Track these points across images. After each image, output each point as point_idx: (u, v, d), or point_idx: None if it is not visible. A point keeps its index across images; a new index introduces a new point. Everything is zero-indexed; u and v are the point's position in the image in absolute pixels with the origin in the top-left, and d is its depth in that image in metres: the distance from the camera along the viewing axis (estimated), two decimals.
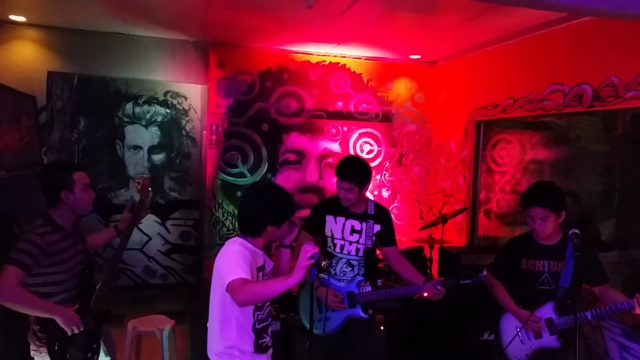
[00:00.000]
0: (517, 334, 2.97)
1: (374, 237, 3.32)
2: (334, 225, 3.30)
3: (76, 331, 2.61)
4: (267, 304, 2.52)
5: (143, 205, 3.11)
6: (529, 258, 2.99)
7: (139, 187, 3.15)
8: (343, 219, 3.29)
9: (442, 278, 3.08)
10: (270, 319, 2.55)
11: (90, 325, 2.71)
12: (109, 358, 2.97)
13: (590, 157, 4.51)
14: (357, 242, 3.29)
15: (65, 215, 2.70)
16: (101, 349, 2.89)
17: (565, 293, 2.83)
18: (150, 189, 3.20)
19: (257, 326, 2.42)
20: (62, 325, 2.57)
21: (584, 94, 3.84)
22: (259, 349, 2.42)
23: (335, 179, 3.25)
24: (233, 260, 2.27)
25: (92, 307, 2.74)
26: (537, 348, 2.94)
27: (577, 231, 2.67)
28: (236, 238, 2.44)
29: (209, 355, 2.45)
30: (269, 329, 2.53)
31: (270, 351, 2.54)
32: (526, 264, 2.99)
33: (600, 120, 4.41)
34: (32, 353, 2.67)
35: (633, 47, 3.48)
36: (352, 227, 3.28)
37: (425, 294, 3.59)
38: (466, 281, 3.00)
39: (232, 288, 2.19)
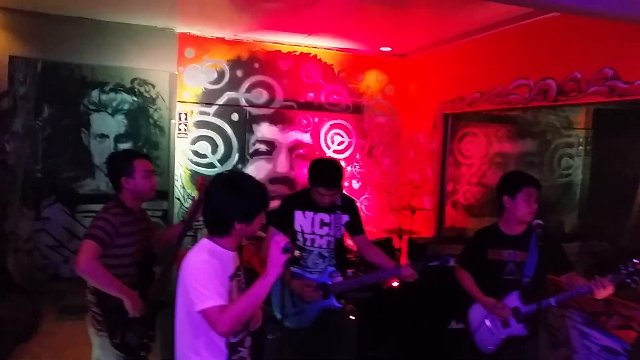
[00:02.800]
0: (484, 322, 3.05)
1: (342, 228, 3.36)
2: (303, 220, 3.31)
3: (137, 315, 2.70)
4: None
5: (199, 204, 3.07)
6: (495, 248, 3.06)
7: (197, 185, 3.13)
8: (312, 213, 3.30)
9: (409, 261, 3.14)
10: (246, 331, 2.26)
11: (148, 312, 2.81)
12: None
13: (554, 150, 4.64)
14: (328, 234, 3.31)
15: (130, 199, 2.83)
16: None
17: (530, 282, 2.92)
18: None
19: (231, 340, 2.16)
20: (127, 308, 2.67)
21: (549, 88, 3.94)
22: None
23: (312, 183, 3.22)
24: (204, 280, 2.01)
25: (150, 296, 2.82)
26: (505, 337, 3.02)
27: (540, 222, 2.75)
28: (204, 241, 2.17)
29: None
30: (246, 342, 2.27)
31: None
32: (492, 254, 3.06)
33: (563, 115, 4.53)
34: (90, 334, 2.78)
35: (595, 44, 3.59)
36: (322, 220, 3.31)
37: (395, 284, 3.65)
38: (434, 262, 3.09)
39: (211, 318, 1.99)
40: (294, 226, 3.32)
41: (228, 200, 2.11)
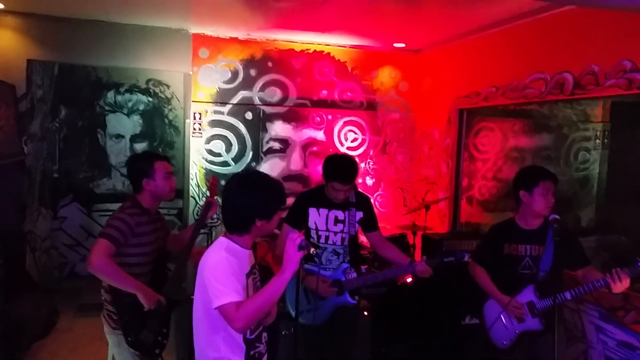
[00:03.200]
0: (500, 318, 3.03)
1: (357, 225, 3.36)
2: (317, 218, 3.32)
3: (152, 308, 2.73)
4: None
5: (210, 205, 3.11)
6: (511, 243, 3.05)
7: (208, 186, 3.22)
8: (326, 210, 3.31)
9: (424, 257, 3.13)
10: (262, 326, 2.29)
11: (163, 310, 2.83)
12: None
13: (570, 144, 4.60)
14: (342, 231, 3.32)
15: (148, 200, 2.86)
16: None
17: (546, 276, 2.89)
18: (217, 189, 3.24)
19: (248, 336, 2.19)
20: (142, 301, 2.69)
21: (565, 82, 3.89)
22: (250, 359, 2.20)
23: (327, 178, 3.21)
24: (222, 277, 2.04)
25: (165, 294, 2.84)
26: (520, 332, 3.00)
27: (557, 217, 2.72)
28: (222, 240, 2.19)
29: None
30: (263, 337, 2.30)
31: (265, 358, 2.32)
32: (508, 249, 3.05)
33: (580, 109, 4.48)
34: (105, 332, 2.82)
35: (613, 36, 3.53)
36: (336, 217, 3.31)
37: (409, 279, 3.61)
38: (449, 258, 3.08)
39: (227, 314, 2.01)
40: (308, 223, 3.33)
41: (248, 199, 2.13)
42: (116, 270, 2.63)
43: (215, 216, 3.16)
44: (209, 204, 3.10)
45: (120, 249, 2.67)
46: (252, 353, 2.20)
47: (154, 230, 2.87)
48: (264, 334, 2.31)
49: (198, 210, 5.51)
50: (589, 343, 3.69)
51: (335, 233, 3.31)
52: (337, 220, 3.31)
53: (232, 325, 2.03)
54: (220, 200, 2.37)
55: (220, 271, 2.06)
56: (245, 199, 2.13)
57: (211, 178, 3.33)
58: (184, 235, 3.18)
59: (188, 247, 3.03)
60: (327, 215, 3.31)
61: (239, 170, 5.62)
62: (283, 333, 3.67)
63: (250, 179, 2.23)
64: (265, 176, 2.26)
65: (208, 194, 3.29)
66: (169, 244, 3.10)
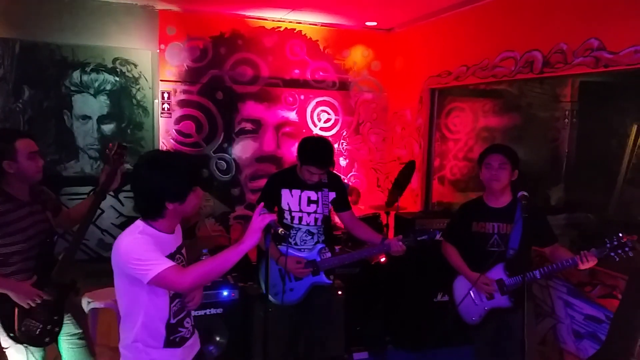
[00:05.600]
0: (469, 294, 3.07)
1: (330, 205, 3.36)
2: (290, 199, 3.31)
3: (32, 305, 2.56)
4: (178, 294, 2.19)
5: (114, 174, 2.87)
6: (479, 221, 3.08)
7: (111, 154, 2.89)
8: (299, 191, 3.30)
9: (401, 236, 3.16)
10: (186, 310, 2.24)
11: (52, 296, 2.65)
12: (80, 330, 2.90)
13: (540, 124, 4.64)
14: (315, 212, 3.32)
15: (15, 185, 2.63)
16: (71, 321, 2.84)
17: (515, 254, 2.94)
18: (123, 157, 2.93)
19: (171, 321, 2.14)
20: (16, 300, 2.52)
21: (535, 60, 3.92)
22: (170, 344, 2.15)
23: (303, 161, 3.19)
24: (143, 254, 1.95)
25: (53, 278, 2.68)
26: (489, 308, 3.05)
27: (525, 193, 2.76)
28: (138, 223, 2.08)
29: (119, 347, 2.19)
30: (186, 322, 2.25)
31: (191, 341, 2.28)
32: (477, 227, 3.08)
33: (549, 88, 4.52)
34: None
35: (580, 14, 3.56)
36: (309, 198, 3.31)
37: (383, 259, 3.61)
38: (423, 237, 3.15)
39: (167, 279, 1.93)
40: (281, 205, 3.31)
41: (156, 181, 2.02)
42: None
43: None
44: (110, 172, 2.83)
45: None
46: (172, 337, 2.16)
47: (27, 215, 2.65)
48: (188, 319, 2.26)
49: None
50: (557, 318, 3.78)
51: (309, 214, 3.31)
52: (310, 201, 3.30)
53: (177, 286, 1.97)
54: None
55: (139, 249, 1.96)
56: (153, 181, 2.02)
57: (110, 144, 2.94)
58: (76, 211, 2.97)
59: (85, 222, 2.80)
60: (300, 196, 3.30)
61: (211, 152, 5.55)
62: (260, 314, 3.66)
63: (158, 159, 2.12)
64: (174, 154, 2.19)
65: (110, 162, 2.91)
66: (59, 223, 2.89)
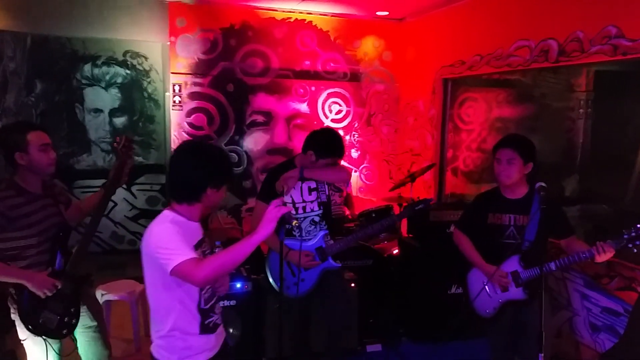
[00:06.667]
0: (484, 288, 3.04)
1: (327, 190, 3.42)
2: (293, 191, 3.30)
3: (49, 294, 2.57)
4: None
5: (122, 167, 2.85)
6: (495, 212, 3.03)
7: (119, 147, 2.86)
8: (299, 182, 3.31)
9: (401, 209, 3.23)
10: (216, 296, 2.30)
11: (67, 288, 2.67)
12: (95, 323, 2.91)
13: (554, 114, 4.57)
14: (317, 198, 3.36)
15: (27, 178, 2.63)
16: (86, 314, 2.86)
17: (531, 246, 2.89)
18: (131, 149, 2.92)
19: (202, 306, 2.19)
20: (33, 289, 2.54)
21: (550, 49, 3.85)
22: (205, 329, 2.21)
23: (321, 154, 3.18)
24: (170, 242, 2.00)
25: (68, 271, 2.69)
26: (504, 301, 3.02)
27: (543, 184, 2.70)
28: (166, 213, 2.15)
29: (152, 339, 2.21)
30: (217, 308, 2.30)
31: (220, 328, 2.33)
32: (492, 218, 3.04)
33: (564, 78, 4.45)
34: (12, 317, 2.65)
35: (598, 1, 3.49)
36: (309, 187, 3.34)
37: (395, 251, 3.58)
38: (420, 206, 3.30)
39: (185, 271, 1.96)
40: (284, 199, 3.30)
41: (201, 166, 2.11)
42: None
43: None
44: (119, 167, 2.81)
45: (0, 235, 2.49)
46: (206, 322, 2.21)
47: (40, 209, 2.64)
48: (218, 305, 2.32)
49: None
50: (573, 310, 3.74)
51: (312, 202, 3.35)
52: (310, 190, 3.34)
53: (193, 279, 1.98)
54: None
55: (167, 238, 2.02)
56: (198, 167, 2.11)
57: (117, 137, 2.90)
58: (86, 203, 2.97)
59: (96, 217, 2.80)
60: (302, 187, 3.33)
61: (223, 144, 5.54)
62: (272, 308, 3.67)
63: (201, 148, 2.23)
64: (213, 145, 2.31)
65: (118, 155, 2.87)
66: (70, 216, 2.88)
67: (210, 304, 2.23)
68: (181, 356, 2.16)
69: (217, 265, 1.99)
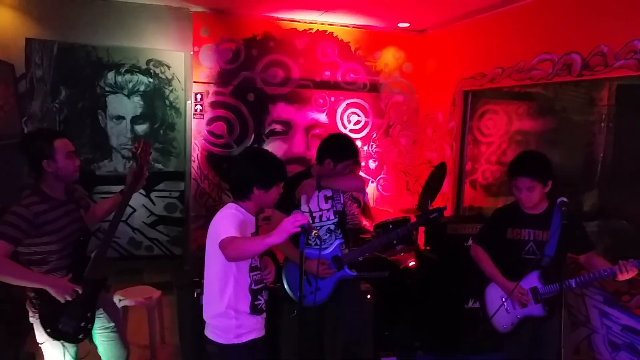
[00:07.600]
0: (503, 304, 3.01)
1: (342, 198, 3.47)
2: (310, 201, 3.32)
3: (69, 299, 2.61)
4: (257, 267, 2.57)
5: (141, 172, 2.91)
6: (514, 227, 3.01)
7: (138, 152, 2.91)
8: (316, 192, 3.32)
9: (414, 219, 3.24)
10: (264, 282, 2.60)
11: (86, 293, 2.70)
12: (113, 323, 2.96)
13: (575, 128, 4.53)
14: (333, 207, 3.39)
15: (52, 184, 2.67)
16: (103, 315, 2.91)
17: (550, 262, 2.86)
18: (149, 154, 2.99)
19: (253, 287, 2.50)
20: (54, 294, 2.57)
21: (573, 63, 3.82)
22: (254, 310, 2.50)
23: (341, 158, 3.23)
24: (227, 221, 2.36)
25: (86, 276, 2.73)
26: (522, 317, 2.98)
27: (565, 199, 2.67)
28: (231, 204, 2.51)
29: (206, 319, 2.53)
30: (264, 293, 2.59)
31: (264, 315, 2.60)
32: (512, 233, 3.01)
33: (585, 92, 4.41)
34: (30, 320, 2.69)
35: (623, 15, 3.45)
36: (325, 195, 3.37)
37: (412, 263, 3.56)
38: (434, 214, 3.36)
39: (223, 244, 2.24)
40: (300, 209, 3.31)
41: (249, 167, 2.49)
42: (15, 270, 2.48)
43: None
44: (136, 174, 2.86)
45: (26, 241, 2.52)
46: (256, 303, 2.51)
47: (63, 215, 2.69)
48: (265, 292, 2.61)
49: (199, 193, 5.47)
50: (592, 328, 3.68)
51: (327, 210, 3.37)
52: (327, 198, 3.38)
53: (225, 254, 2.25)
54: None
55: (230, 219, 2.39)
56: (246, 168, 2.50)
57: (137, 142, 2.95)
58: (99, 208, 3.02)
59: (114, 221, 2.83)
60: (318, 196, 3.35)
61: None
62: (290, 317, 3.67)
63: (253, 152, 2.69)
64: (268, 152, 2.60)
65: (137, 160, 2.92)
66: (87, 220, 2.91)
67: (259, 286, 2.55)
68: (236, 334, 2.46)
69: (239, 248, 2.25)
